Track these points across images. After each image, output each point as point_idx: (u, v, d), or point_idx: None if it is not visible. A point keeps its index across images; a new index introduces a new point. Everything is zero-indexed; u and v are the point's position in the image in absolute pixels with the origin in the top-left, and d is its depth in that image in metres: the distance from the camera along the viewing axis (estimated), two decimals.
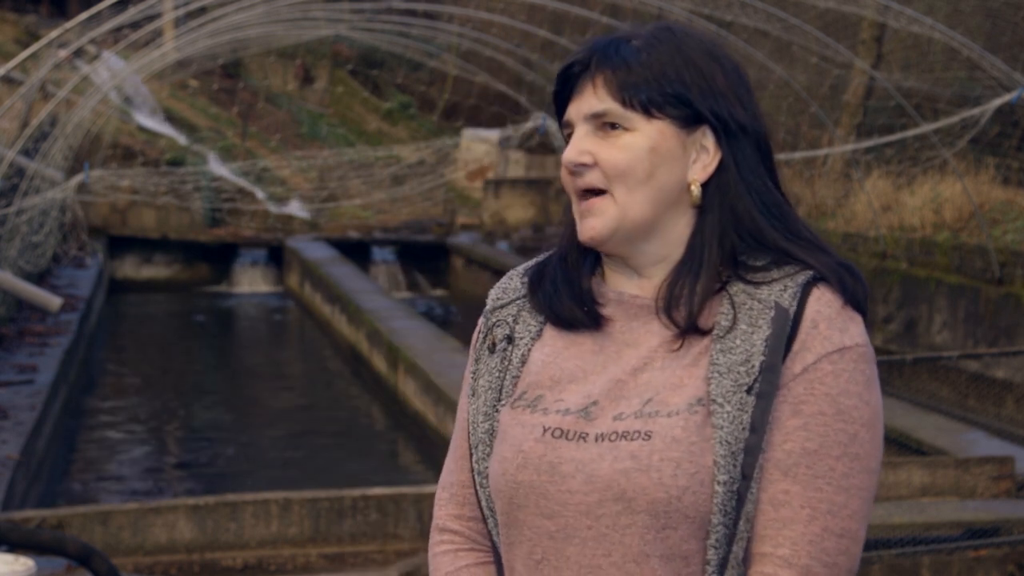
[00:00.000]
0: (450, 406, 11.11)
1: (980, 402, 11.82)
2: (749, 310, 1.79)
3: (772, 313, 1.77)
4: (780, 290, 1.79)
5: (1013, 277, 12.21)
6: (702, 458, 1.73)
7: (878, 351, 13.20)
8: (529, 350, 1.91)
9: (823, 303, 1.78)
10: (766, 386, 1.74)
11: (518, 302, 1.95)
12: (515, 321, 1.94)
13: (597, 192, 1.84)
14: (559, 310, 1.90)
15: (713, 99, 1.82)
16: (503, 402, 1.90)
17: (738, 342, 1.77)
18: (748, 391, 1.74)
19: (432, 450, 11.82)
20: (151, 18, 16.93)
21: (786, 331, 1.76)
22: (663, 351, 1.83)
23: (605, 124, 1.82)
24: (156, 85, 27.57)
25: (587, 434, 1.80)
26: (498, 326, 1.94)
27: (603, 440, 1.78)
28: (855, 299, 1.81)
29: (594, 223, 1.83)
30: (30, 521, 7.06)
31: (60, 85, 18.02)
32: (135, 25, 18.74)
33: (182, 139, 26.18)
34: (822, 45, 15.58)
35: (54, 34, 10.83)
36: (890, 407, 10.53)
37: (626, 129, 1.82)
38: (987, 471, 8.09)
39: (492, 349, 1.93)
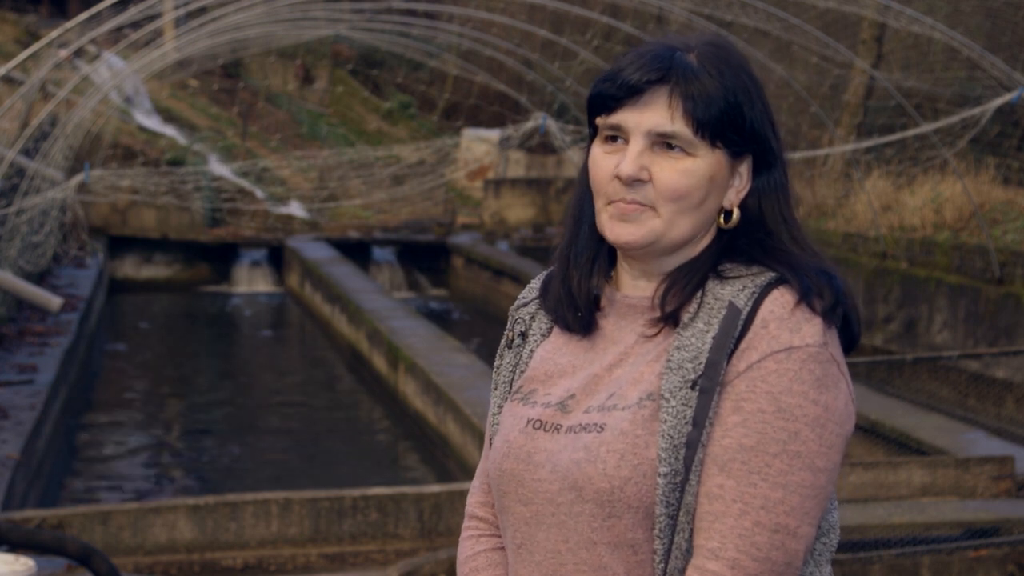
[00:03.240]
0: (450, 406, 11.11)
1: (980, 402, 11.82)
2: (709, 308, 1.85)
3: (725, 312, 1.82)
4: (739, 289, 1.84)
5: (1013, 277, 12.21)
6: (646, 451, 1.80)
7: (878, 351, 13.27)
8: (537, 346, 2.01)
9: (778, 304, 1.82)
10: (708, 382, 1.79)
11: (538, 301, 2.04)
12: (532, 319, 2.04)
13: (638, 203, 1.87)
14: (556, 314, 1.99)
15: (762, 129, 1.88)
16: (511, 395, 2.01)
17: (693, 339, 1.83)
18: (692, 387, 1.80)
19: (432, 450, 11.82)
20: (151, 18, 16.92)
21: (735, 329, 1.81)
22: (638, 347, 1.90)
23: (665, 143, 1.85)
24: (156, 85, 27.56)
25: (561, 426, 1.89)
26: (517, 324, 2.05)
27: (571, 432, 1.87)
28: (817, 301, 1.83)
29: (633, 231, 1.87)
30: (30, 521, 7.06)
31: (60, 85, 18.01)
32: (135, 25, 18.74)
33: (182, 139, 26.17)
34: (822, 45, 15.58)
35: (54, 34, 10.83)
36: (890, 407, 10.53)
37: (687, 154, 1.85)
38: (987, 471, 8.09)
39: (510, 345, 2.04)
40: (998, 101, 11.13)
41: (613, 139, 1.88)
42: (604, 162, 1.88)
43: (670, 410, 1.80)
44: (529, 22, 20.79)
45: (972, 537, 7.34)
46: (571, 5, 17.69)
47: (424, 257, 24.06)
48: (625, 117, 1.86)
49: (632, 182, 1.85)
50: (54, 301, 9.90)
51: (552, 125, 18.11)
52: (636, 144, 1.85)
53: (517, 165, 26.68)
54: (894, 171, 15.62)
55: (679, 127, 1.84)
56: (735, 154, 1.87)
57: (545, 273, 2.06)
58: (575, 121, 20.68)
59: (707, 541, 1.78)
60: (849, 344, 1.89)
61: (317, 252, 22.25)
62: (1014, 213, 13.29)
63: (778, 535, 1.77)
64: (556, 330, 2.00)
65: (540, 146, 25.07)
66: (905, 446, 9.59)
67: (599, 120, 1.90)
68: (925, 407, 11.05)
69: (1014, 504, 7.91)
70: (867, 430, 9.86)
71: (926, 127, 13.02)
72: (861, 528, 7.24)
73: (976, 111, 11.63)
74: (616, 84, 1.86)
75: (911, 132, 13.27)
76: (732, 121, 1.85)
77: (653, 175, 1.85)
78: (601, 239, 1.94)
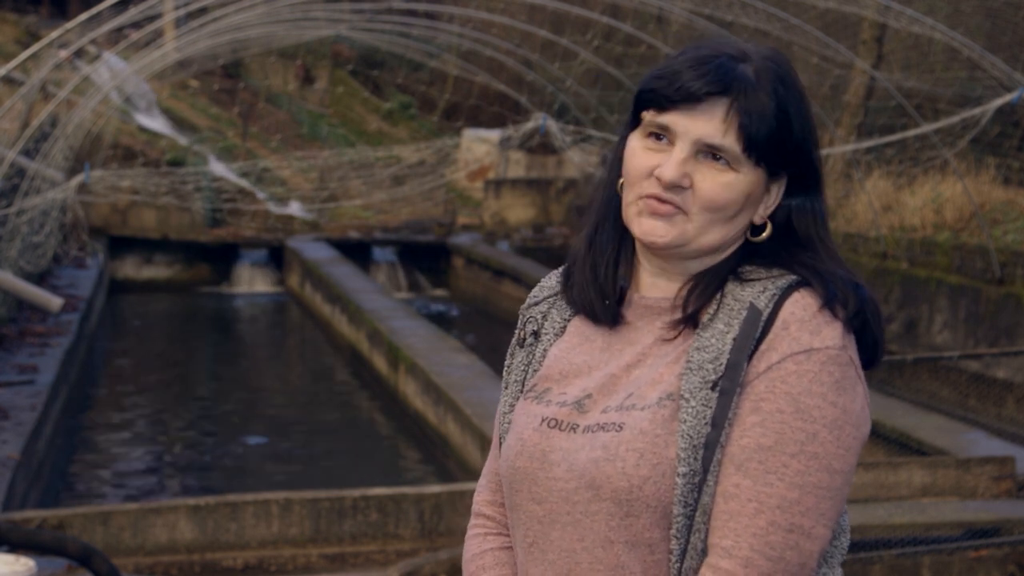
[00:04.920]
0: (450, 406, 11.11)
1: (981, 402, 11.82)
2: (730, 309, 1.85)
3: (745, 313, 1.83)
4: (760, 291, 1.85)
5: (1014, 277, 12.21)
6: (666, 450, 1.80)
7: None
8: (551, 345, 2.00)
9: (799, 306, 1.82)
10: (728, 383, 1.80)
11: (550, 299, 2.04)
12: (544, 318, 2.03)
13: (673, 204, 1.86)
14: (583, 303, 1.97)
15: (806, 152, 1.88)
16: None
17: (713, 340, 1.83)
18: (713, 388, 1.80)
19: (432, 450, 11.83)
20: (151, 18, 16.92)
21: (755, 331, 1.81)
22: (656, 348, 1.90)
23: (710, 153, 1.85)
24: (156, 85, 27.56)
25: (578, 425, 1.89)
26: (529, 322, 2.04)
27: (588, 431, 1.87)
28: (839, 307, 1.83)
29: (663, 232, 1.87)
30: (31, 521, 7.06)
31: (61, 85, 18.01)
32: (136, 25, 18.74)
33: (183, 139, 26.17)
34: (823, 45, 15.58)
35: (54, 34, 10.83)
36: (890, 407, 10.53)
37: (731, 168, 1.85)
38: (988, 471, 8.09)
39: (522, 344, 2.03)
40: (998, 101, 11.13)
41: (657, 136, 1.87)
42: (644, 158, 1.87)
43: (690, 410, 1.80)
44: (529, 22, 20.80)
45: (972, 537, 7.34)
46: (571, 5, 17.70)
47: (424, 257, 24.06)
48: (675, 120, 1.84)
49: (672, 187, 1.85)
50: (54, 301, 9.91)
51: (552, 125, 18.12)
52: (682, 150, 1.84)
53: (517, 165, 26.66)
54: (894, 171, 15.62)
55: (730, 142, 1.83)
56: (773, 173, 1.87)
57: (559, 271, 2.05)
58: (575, 121, 20.70)
59: (721, 539, 1.78)
60: (874, 360, 1.88)
61: (317, 252, 22.25)
62: (1014, 213, 13.29)
63: (793, 535, 1.77)
64: (571, 329, 2.00)
65: (540, 146, 25.07)
66: (905, 446, 9.59)
67: (647, 115, 1.88)
68: (925, 407, 11.04)
69: (1014, 504, 7.91)
70: None
71: (926, 127, 13.02)
72: (862, 528, 7.24)
73: (976, 111, 11.63)
74: (674, 87, 1.84)
75: (911, 132, 13.28)
76: (780, 142, 1.85)
77: (694, 183, 1.84)
78: (625, 231, 1.94)
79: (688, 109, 1.84)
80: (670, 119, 1.85)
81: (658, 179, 1.85)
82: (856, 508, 7.56)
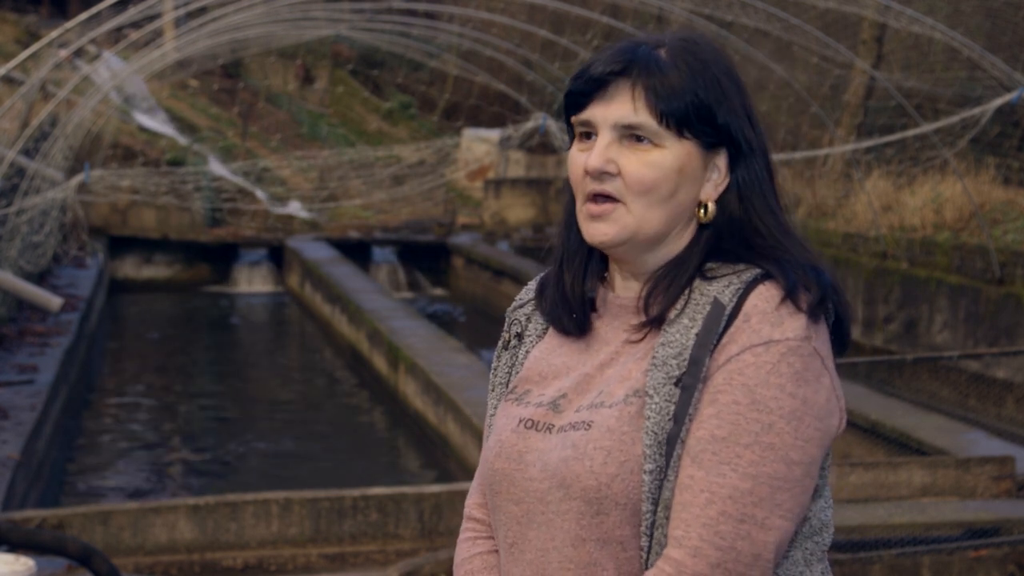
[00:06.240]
0: (450, 406, 11.11)
1: (981, 402, 11.82)
2: (695, 304, 1.85)
3: (709, 308, 1.83)
4: (725, 286, 1.84)
5: (1013, 277, 12.20)
6: (632, 448, 1.81)
7: (878, 351, 13.27)
8: (532, 347, 2.02)
9: (762, 298, 1.82)
10: (690, 378, 1.80)
11: (533, 303, 2.05)
12: (528, 320, 2.04)
13: (610, 198, 1.87)
14: (552, 317, 1.99)
15: (736, 122, 1.87)
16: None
17: (677, 336, 1.83)
18: (676, 383, 1.80)
19: (432, 450, 11.83)
20: (151, 18, 16.91)
21: (718, 326, 1.81)
22: (627, 346, 1.90)
23: (632, 135, 1.86)
24: (156, 85, 27.56)
25: (553, 425, 1.90)
26: (514, 325, 2.05)
27: (561, 431, 1.88)
28: (803, 296, 1.81)
29: (606, 230, 1.88)
30: (30, 521, 7.06)
31: (60, 85, 18.01)
32: (135, 25, 18.74)
33: (182, 139, 26.17)
34: (822, 45, 15.58)
35: (54, 34, 10.83)
36: (890, 407, 10.53)
37: (655, 145, 1.85)
38: (987, 471, 8.10)
39: (507, 347, 2.05)
40: (998, 101, 11.13)
41: (587, 136, 1.89)
42: (578, 159, 1.89)
43: (653, 407, 1.80)
44: (529, 22, 20.79)
45: (972, 537, 7.34)
46: (571, 5, 17.69)
47: (424, 257, 24.06)
48: (593, 112, 1.87)
49: (600, 175, 1.86)
50: (54, 301, 9.90)
51: (552, 125, 18.12)
52: (604, 138, 1.86)
53: (517, 165, 26.66)
54: (894, 171, 15.62)
55: (643, 118, 1.84)
56: (708, 145, 1.87)
57: (542, 275, 2.06)
58: None
59: (674, 530, 1.78)
60: (842, 345, 1.88)
61: (317, 252, 22.25)
62: (1014, 213, 13.29)
63: (744, 525, 1.76)
64: (551, 331, 2.01)
65: (540, 146, 25.07)
66: (905, 446, 9.59)
67: (573, 118, 1.91)
68: (925, 407, 11.04)
69: (1014, 504, 7.92)
70: (867, 430, 9.86)
71: (926, 127, 13.02)
72: (861, 528, 7.24)
73: (976, 111, 11.63)
74: (583, 80, 1.88)
75: (911, 132, 13.28)
76: (699, 113, 1.85)
77: (621, 167, 1.85)
78: None
79: (600, 98, 1.86)
80: (589, 113, 1.87)
81: (586, 171, 1.87)
82: (856, 508, 7.57)
